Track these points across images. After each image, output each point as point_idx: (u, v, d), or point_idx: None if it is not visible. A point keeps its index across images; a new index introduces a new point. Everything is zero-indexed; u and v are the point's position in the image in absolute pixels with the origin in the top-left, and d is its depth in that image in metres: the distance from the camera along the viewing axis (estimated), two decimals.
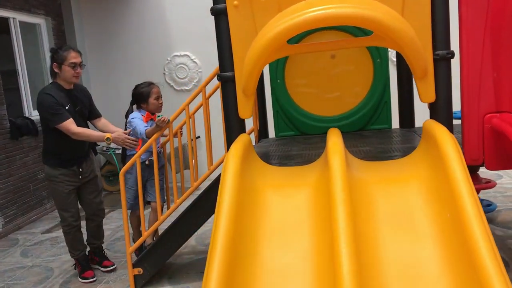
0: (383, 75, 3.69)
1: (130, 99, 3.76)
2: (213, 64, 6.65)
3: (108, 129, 3.68)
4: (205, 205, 3.20)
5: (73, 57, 3.43)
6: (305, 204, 2.29)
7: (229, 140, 2.79)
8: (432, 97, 2.54)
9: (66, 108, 3.43)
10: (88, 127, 3.63)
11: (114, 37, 6.78)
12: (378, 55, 3.68)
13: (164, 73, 6.82)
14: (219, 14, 2.69)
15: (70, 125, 3.38)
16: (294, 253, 2.10)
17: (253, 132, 3.69)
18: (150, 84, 3.75)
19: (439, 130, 2.27)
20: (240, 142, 2.50)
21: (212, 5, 2.71)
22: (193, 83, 6.78)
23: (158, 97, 3.73)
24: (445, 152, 2.11)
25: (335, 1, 2.45)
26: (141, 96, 3.68)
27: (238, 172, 2.29)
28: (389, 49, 3.81)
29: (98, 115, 3.80)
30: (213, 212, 3.26)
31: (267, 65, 3.77)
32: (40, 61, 6.20)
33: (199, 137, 6.81)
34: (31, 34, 6.06)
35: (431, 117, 2.63)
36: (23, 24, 5.79)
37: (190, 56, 6.73)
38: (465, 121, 2.62)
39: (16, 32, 5.65)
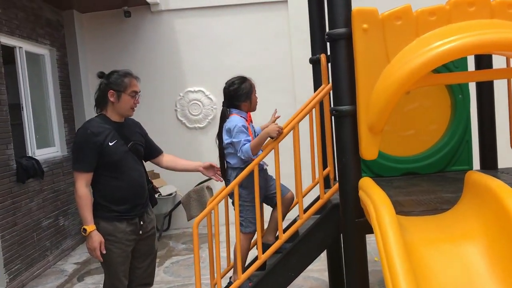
0: (465, 112, 3.41)
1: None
2: None
3: (178, 164, 3.09)
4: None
5: (134, 85, 2.83)
6: (478, 262, 1.90)
7: (345, 183, 2.39)
8: None
9: (111, 144, 2.71)
10: (145, 169, 2.98)
11: (120, 69, 6.28)
12: (460, 91, 3.40)
13: (176, 110, 6.36)
14: (338, 40, 2.33)
15: (80, 180, 2.66)
16: None
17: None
18: (246, 78, 3.08)
19: None
20: (380, 188, 2.10)
21: (330, 33, 2.34)
22: (207, 120, 6.35)
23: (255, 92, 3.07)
24: None
25: (481, 26, 2.16)
26: (244, 93, 2.98)
27: (398, 226, 1.88)
28: None
29: (160, 152, 3.16)
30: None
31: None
32: (43, 94, 5.62)
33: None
34: (35, 66, 5.49)
35: None
36: (28, 55, 5.23)
37: (205, 92, 6.32)
38: None
39: (22, 62, 5.08)
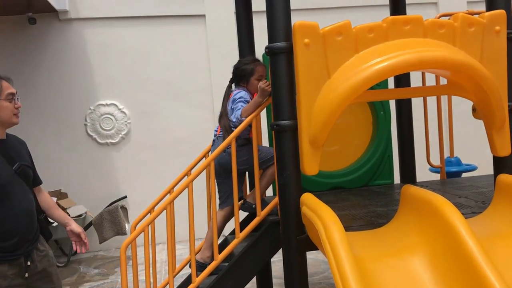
0: (386, 128, 3.55)
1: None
2: (144, 114, 6.10)
3: (51, 213, 2.53)
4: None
5: (7, 87, 2.33)
6: (422, 274, 1.94)
7: (286, 199, 2.34)
8: (508, 150, 2.40)
9: None
10: (35, 196, 2.45)
11: (23, 80, 5.71)
12: (381, 108, 3.54)
13: (86, 124, 5.97)
14: (278, 53, 2.29)
15: None
16: None
17: None
18: (255, 60, 3.07)
19: None
20: (325, 205, 2.08)
21: (270, 46, 2.30)
22: (120, 135, 6.02)
23: (262, 77, 2.97)
24: None
25: (416, 45, 2.24)
26: (243, 73, 2.97)
27: (348, 243, 1.86)
28: None
29: (38, 183, 2.56)
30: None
31: (265, 118, 3.40)
32: None
33: (125, 196, 6.01)
34: None
35: (499, 171, 2.49)
36: None
37: (118, 105, 6.00)
38: None
39: None
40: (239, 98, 2.84)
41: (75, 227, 2.51)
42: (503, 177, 2.37)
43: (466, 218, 2.33)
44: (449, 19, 2.36)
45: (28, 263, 2.31)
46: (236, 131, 2.65)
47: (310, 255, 4.94)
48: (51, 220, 2.60)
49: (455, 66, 2.17)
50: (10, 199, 2.27)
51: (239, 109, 2.77)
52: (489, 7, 2.47)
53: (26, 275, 2.30)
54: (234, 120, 2.78)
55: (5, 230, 2.24)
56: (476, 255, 1.79)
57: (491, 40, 2.32)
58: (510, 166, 2.46)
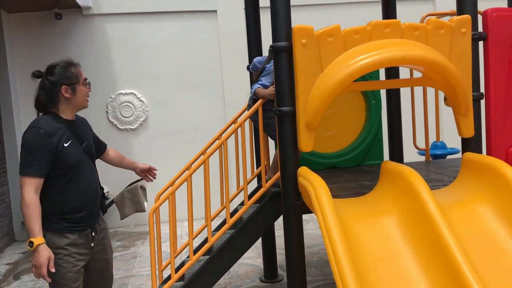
0: (377, 115, 4.02)
1: None
2: (161, 103, 6.61)
3: (124, 163, 2.95)
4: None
5: (82, 72, 2.57)
6: (394, 231, 2.41)
7: (286, 172, 2.82)
8: (471, 132, 2.86)
9: (66, 145, 2.41)
10: (96, 171, 2.68)
11: None
12: (373, 97, 4.00)
13: (107, 112, 6.49)
14: (280, 52, 2.77)
15: (29, 186, 2.33)
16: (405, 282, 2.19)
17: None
18: None
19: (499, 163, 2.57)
20: (317, 175, 2.56)
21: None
22: (139, 122, 6.55)
23: None
24: None
25: (394, 44, 2.71)
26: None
27: (333, 203, 2.34)
28: None
29: (105, 146, 2.89)
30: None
31: None
32: None
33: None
34: None
35: (465, 150, 2.96)
36: None
37: (137, 94, 6.52)
38: (492, 154, 2.99)
39: None
40: (268, 68, 3.31)
41: (142, 165, 3.03)
42: (468, 154, 2.83)
43: (436, 189, 2.85)
44: (437, 17, 2.82)
45: (93, 234, 2.55)
46: (251, 111, 3.19)
47: (311, 230, 5.47)
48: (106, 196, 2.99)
49: (426, 63, 2.62)
50: (81, 176, 2.50)
51: (256, 87, 3.28)
52: (459, 12, 2.93)
53: (92, 244, 2.54)
54: (250, 91, 3.32)
55: (76, 204, 2.47)
56: (435, 216, 2.22)
57: (458, 40, 2.77)
58: (474, 145, 2.92)
